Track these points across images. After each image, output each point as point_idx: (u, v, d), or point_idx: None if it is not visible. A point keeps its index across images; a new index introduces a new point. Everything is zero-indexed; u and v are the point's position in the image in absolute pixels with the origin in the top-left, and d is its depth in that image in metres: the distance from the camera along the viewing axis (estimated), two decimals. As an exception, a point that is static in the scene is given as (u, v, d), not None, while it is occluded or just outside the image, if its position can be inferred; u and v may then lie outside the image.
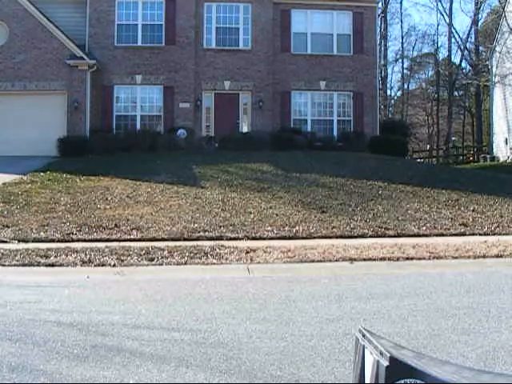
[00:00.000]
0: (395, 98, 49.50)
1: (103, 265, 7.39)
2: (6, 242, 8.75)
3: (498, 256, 8.04)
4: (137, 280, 6.68)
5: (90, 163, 16.04)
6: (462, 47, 42.23)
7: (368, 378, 2.69)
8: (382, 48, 41.42)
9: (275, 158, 16.24)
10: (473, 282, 6.32)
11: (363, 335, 2.88)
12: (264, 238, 9.48)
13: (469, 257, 7.98)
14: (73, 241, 9.00)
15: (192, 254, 7.92)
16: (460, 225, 10.73)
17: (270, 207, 11.64)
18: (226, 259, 7.75)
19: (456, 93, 44.27)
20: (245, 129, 20.99)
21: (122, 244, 8.60)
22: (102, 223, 10.04)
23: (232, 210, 11.32)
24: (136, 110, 20.75)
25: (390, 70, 46.19)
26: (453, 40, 41.88)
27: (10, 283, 6.39)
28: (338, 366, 3.65)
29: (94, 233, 9.53)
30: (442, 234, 10.05)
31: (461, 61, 43.74)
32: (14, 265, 7.31)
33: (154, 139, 18.95)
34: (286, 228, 10.13)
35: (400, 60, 46.27)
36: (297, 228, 10.11)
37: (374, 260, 7.73)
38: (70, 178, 14.02)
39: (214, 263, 7.54)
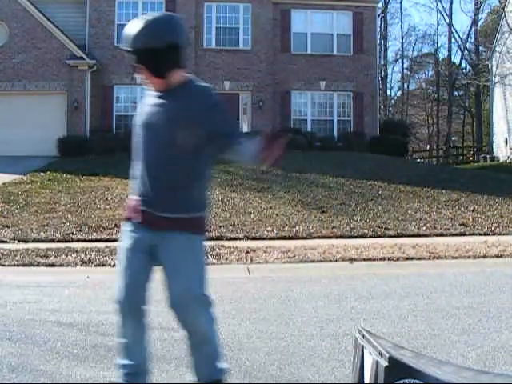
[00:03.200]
0: (395, 98, 49.53)
1: (103, 265, 7.39)
2: (6, 241, 8.75)
3: (497, 256, 8.04)
4: (137, 280, 6.67)
5: (89, 163, 16.04)
6: (462, 47, 42.28)
7: (367, 379, 2.69)
8: (382, 48, 41.44)
9: (275, 158, 16.21)
10: (473, 282, 6.32)
11: (362, 335, 2.88)
12: (264, 238, 9.48)
13: (469, 257, 7.97)
14: (73, 241, 9.01)
15: (192, 254, 7.91)
16: (460, 225, 10.72)
17: (270, 207, 11.65)
18: (226, 259, 7.75)
19: (456, 93, 44.31)
20: (245, 129, 20.98)
21: (122, 244, 8.59)
22: (101, 223, 10.04)
23: (232, 210, 11.32)
24: (136, 110, 20.77)
25: (390, 70, 46.25)
26: (453, 40, 41.95)
27: (10, 283, 6.39)
28: (338, 366, 3.66)
29: (94, 233, 9.53)
30: (441, 234, 10.05)
31: (461, 61, 43.81)
32: (14, 265, 7.31)
33: (154, 139, 18.95)
34: (286, 228, 10.13)
35: (400, 60, 46.37)
36: (297, 228, 10.11)
37: (374, 260, 7.73)
38: (69, 178, 14.02)
39: (214, 263, 7.54)
